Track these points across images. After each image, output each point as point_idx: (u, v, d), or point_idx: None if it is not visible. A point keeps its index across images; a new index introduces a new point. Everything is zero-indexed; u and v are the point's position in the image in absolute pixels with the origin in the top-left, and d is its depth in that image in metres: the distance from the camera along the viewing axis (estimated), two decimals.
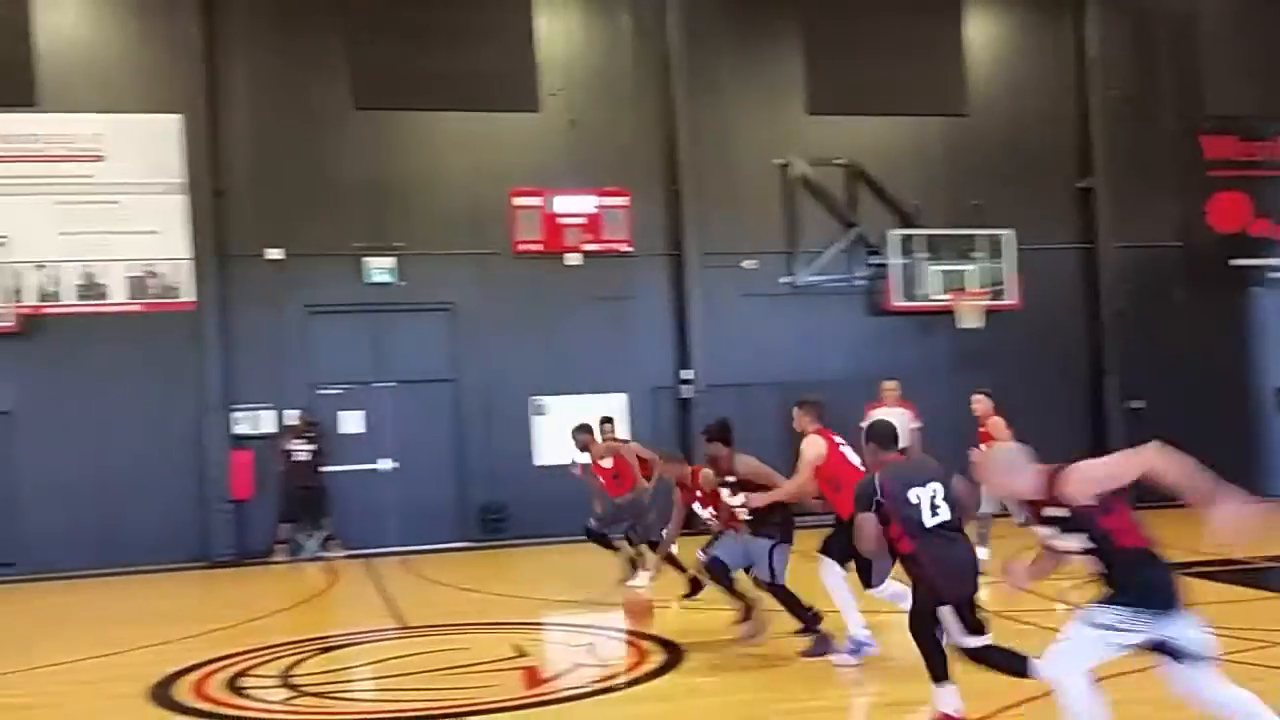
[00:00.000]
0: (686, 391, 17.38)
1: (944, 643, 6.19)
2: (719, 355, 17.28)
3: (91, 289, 15.76)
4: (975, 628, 6.11)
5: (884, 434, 6.79)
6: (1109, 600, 5.10)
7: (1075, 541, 5.18)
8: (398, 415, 16.76)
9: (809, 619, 8.43)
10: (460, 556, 15.90)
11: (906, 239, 17.88)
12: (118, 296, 15.84)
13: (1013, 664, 6.03)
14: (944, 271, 17.88)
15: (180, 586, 14.41)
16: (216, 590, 14.07)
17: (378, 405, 16.77)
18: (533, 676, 7.95)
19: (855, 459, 8.15)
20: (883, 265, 17.88)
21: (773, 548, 8.43)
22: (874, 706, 7.48)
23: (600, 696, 7.44)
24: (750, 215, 17.77)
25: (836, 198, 18.17)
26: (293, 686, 8.23)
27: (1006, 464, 5.43)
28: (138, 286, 15.91)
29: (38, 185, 15.59)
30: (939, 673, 6.27)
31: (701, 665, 8.24)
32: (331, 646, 9.73)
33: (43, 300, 15.56)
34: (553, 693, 7.69)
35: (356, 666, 9.08)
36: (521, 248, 17.12)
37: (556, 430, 16.83)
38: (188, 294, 15.99)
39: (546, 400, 17.08)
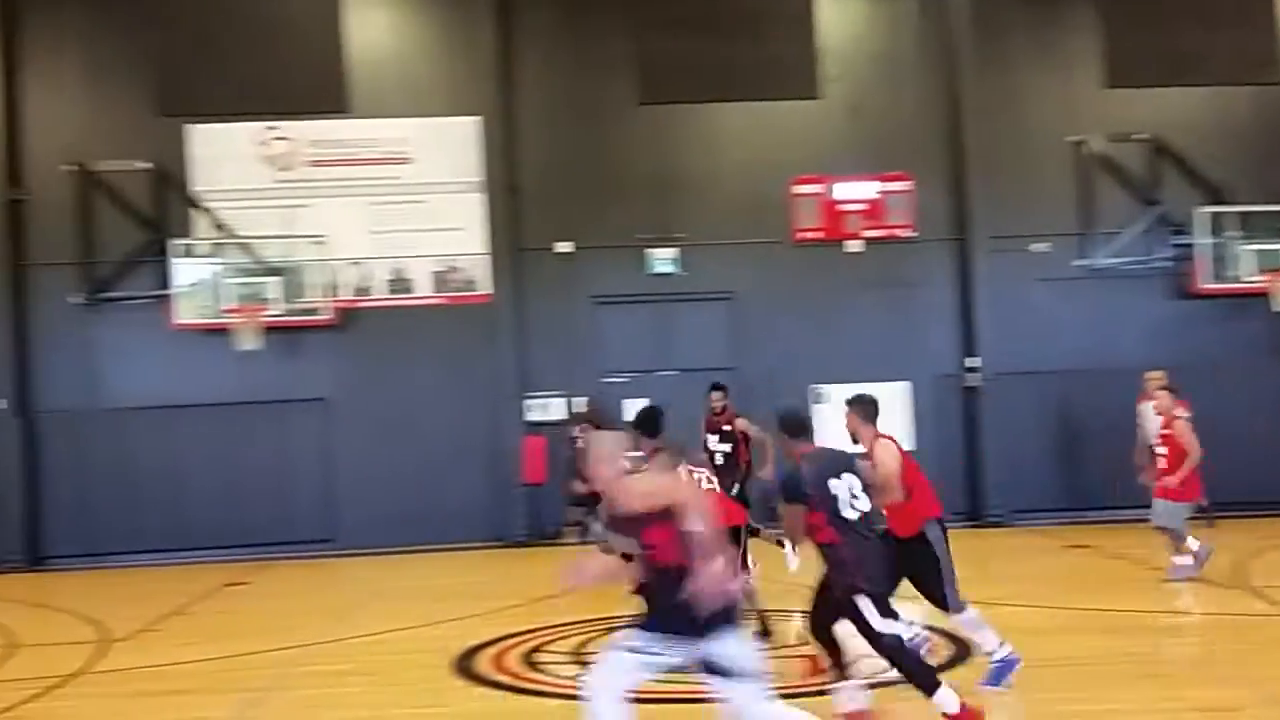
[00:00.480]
0: (972, 380, 16.89)
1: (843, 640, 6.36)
2: (1007, 342, 16.71)
3: (399, 284, 16.83)
4: (891, 617, 6.23)
5: (794, 423, 6.67)
6: (643, 622, 5.12)
7: (627, 545, 5.19)
8: (680, 403, 17.04)
9: None
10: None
11: (1216, 217, 16.73)
12: (423, 290, 16.85)
13: (923, 678, 6.21)
14: (1258, 251, 16.63)
15: (479, 564, 15.20)
16: (512, 569, 14.74)
17: (661, 393, 17.08)
18: (814, 665, 7.94)
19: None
20: (1188, 245, 16.81)
21: None
22: (1179, 711, 7.09)
23: (884, 689, 7.35)
24: (1040, 196, 17.08)
25: (1136, 175, 17.21)
26: (585, 664, 8.54)
27: (603, 452, 5.30)
28: (440, 281, 16.87)
29: (351, 187, 16.76)
30: (931, 684, 6.26)
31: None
32: (619, 626, 10.03)
33: (357, 295, 16.73)
34: (834, 682, 7.66)
35: None
36: (801, 236, 17.09)
37: (836, 418, 16.78)
38: (485, 287, 16.82)
39: (827, 389, 16.98)
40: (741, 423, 12.19)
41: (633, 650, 5.17)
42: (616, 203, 16.96)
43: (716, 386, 12.60)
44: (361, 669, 8.94)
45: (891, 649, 6.23)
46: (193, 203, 16.46)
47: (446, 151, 16.84)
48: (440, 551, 15.82)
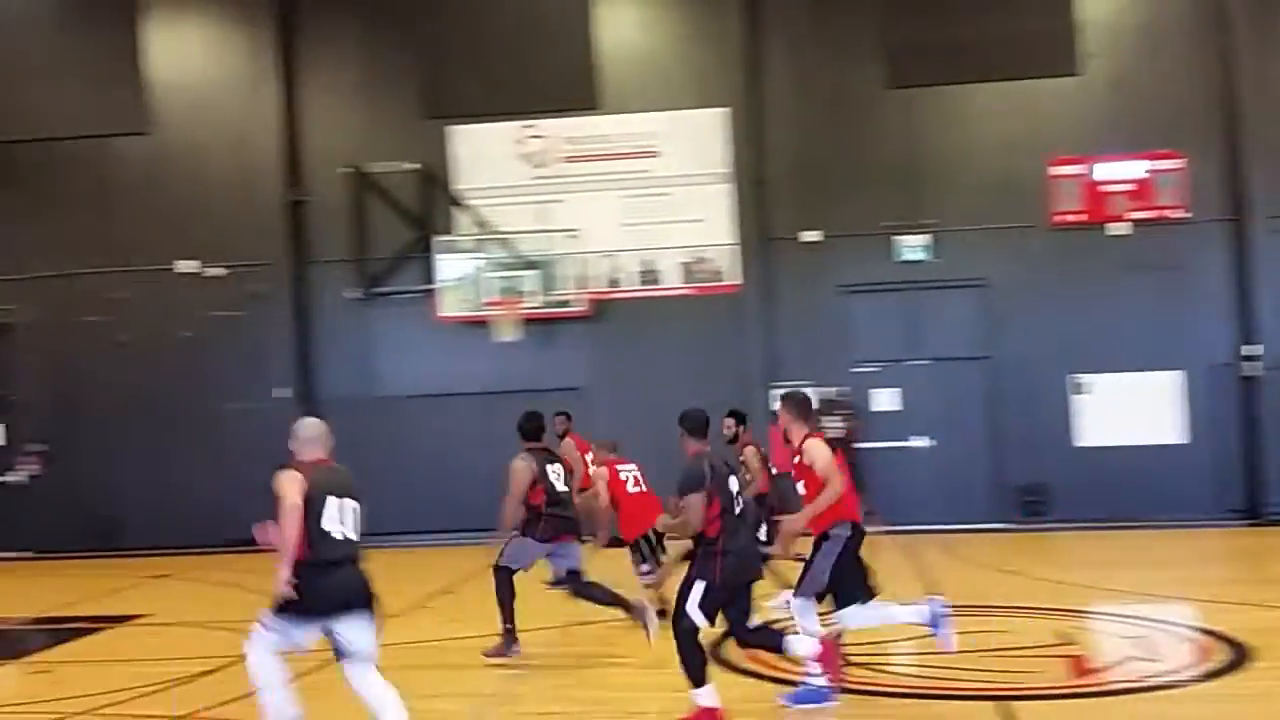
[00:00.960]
0: (1250, 369, 15.84)
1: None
2: None
3: (649, 275, 17.15)
4: (713, 614, 6.77)
5: (696, 422, 7.31)
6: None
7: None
8: (932, 393, 16.73)
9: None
10: (998, 538, 15.60)
11: None
12: (671, 281, 17.10)
13: (693, 671, 6.77)
14: None
15: None
16: None
17: (912, 383, 16.84)
18: (1079, 666, 7.67)
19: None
20: None
21: None
22: None
23: (1159, 692, 7.03)
24: None
25: None
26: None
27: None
28: (689, 272, 17.09)
29: (603, 182, 17.17)
30: (700, 677, 6.78)
31: (1275, 666, 7.54)
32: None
33: (609, 286, 17.15)
34: (1104, 684, 7.39)
35: (895, 641, 9.20)
36: (1060, 219, 16.42)
37: (1100, 409, 16.04)
38: (732, 277, 16.93)
39: (1088, 378, 16.30)
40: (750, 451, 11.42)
41: (263, 625, 6.26)
42: (865, 190, 16.74)
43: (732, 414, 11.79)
44: (620, 652, 9.16)
45: (684, 632, 6.78)
46: (455, 201, 17.24)
47: (694, 144, 17.02)
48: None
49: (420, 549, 16.16)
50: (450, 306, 16.87)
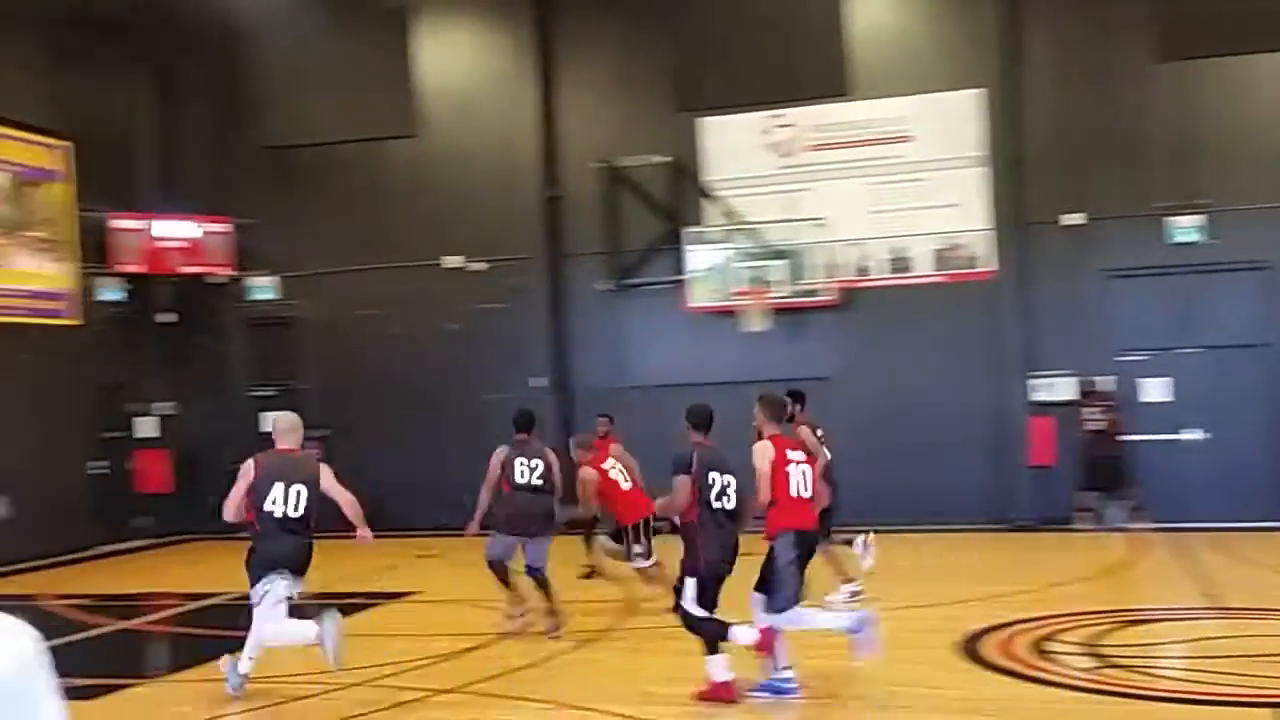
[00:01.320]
0: None
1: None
2: None
3: (899, 263, 16.85)
4: (711, 604, 7.41)
5: (700, 417, 7.95)
6: None
7: None
8: (1207, 383, 15.77)
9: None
10: (1277, 537, 14.57)
11: None
12: (923, 269, 16.75)
13: (719, 631, 7.37)
14: None
15: (980, 547, 14.91)
16: (1016, 553, 14.34)
17: (1185, 372, 15.91)
18: None
19: (803, 484, 7.80)
20: None
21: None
22: None
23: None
24: None
25: None
26: (1099, 656, 8.20)
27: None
28: (941, 259, 16.70)
29: (851, 169, 16.99)
30: (715, 645, 7.36)
31: None
32: (1139, 620, 9.51)
33: (857, 275, 16.96)
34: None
35: (1167, 644, 8.79)
36: None
37: None
38: (987, 264, 16.44)
39: None
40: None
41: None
42: (1132, 169, 15.92)
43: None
44: (891, 643, 9.08)
45: (687, 622, 7.50)
46: (705, 192, 17.42)
47: (947, 127, 16.61)
48: (939, 532, 15.69)
49: (667, 535, 16.39)
50: (699, 297, 17.07)
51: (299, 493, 8.09)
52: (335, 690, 8.26)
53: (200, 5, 18.28)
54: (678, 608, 7.64)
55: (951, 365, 16.49)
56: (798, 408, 11.22)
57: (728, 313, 16.84)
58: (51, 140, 17.00)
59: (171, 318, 18.98)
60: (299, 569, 8.24)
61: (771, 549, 7.71)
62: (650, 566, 10.68)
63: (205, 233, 18.40)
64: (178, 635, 11.30)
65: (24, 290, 16.48)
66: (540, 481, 9.98)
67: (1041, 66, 16.33)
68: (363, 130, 18.39)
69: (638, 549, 10.67)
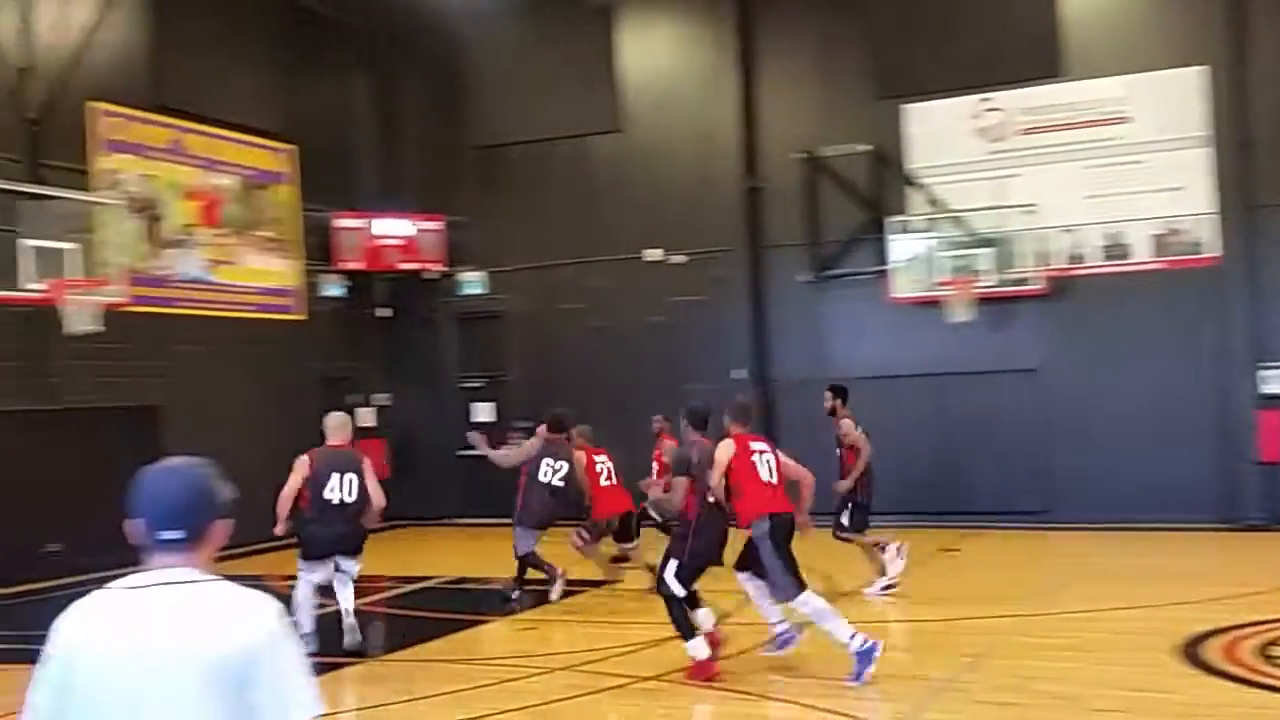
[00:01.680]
0: None
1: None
2: None
3: (1115, 249, 16.14)
4: (691, 591, 8.20)
5: (697, 416, 8.45)
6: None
7: None
8: None
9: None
10: None
11: None
12: (1140, 255, 16.00)
13: (681, 628, 8.18)
14: None
15: (1202, 546, 14.16)
16: (1243, 553, 13.57)
17: None
18: None
19: (765, 471, 8.34)
20: None
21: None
22: None
23: None
24: None
25: None
26: None
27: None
28: (1160, 244, 15.91)
29: (1064, 152, 16.35)
30: (687, 632, 8.14)
31: None
32: None
33: (1070, 263, 16.32)
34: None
35: None
36: None
37: None
38: (1211, 249, 15.58)
39: None
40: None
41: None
42: None
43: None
44: (1076, 645, 8.80)
45: (665, 597, 8.22)
46: (909, 180, 17.07)
47: (1166, 107, 15.79)
48: (1158, 530, 14.96)
49: (872, 530, 16.17)
50: (902, 287, 16.75)
51: (351, 481, 9.23)
52: (539, 674, 8.50)
53: (417, 12, 19.00)
54: (659, 583, 8.33)
55: (1171, 356, 15.71)
56: (839, 402, 11.77)
57: (931, 303, 16.47)
58: (278, 144, 18.01)
59: (388, 312, 19.84)
60: (355, 549, 9.51)
61: (751, 538, 8.28)
62: (630, 549, 11.88)
63: (419, 230, 19.14)
64: (393, 616, 11.81)
65: (254, 287, 17.52)
66: (562, 483, 11.23)
67: (1271, 41, 15.36)
68: (568, 127, 18.76)
69: (627, 546, 11.92)
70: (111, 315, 13.64)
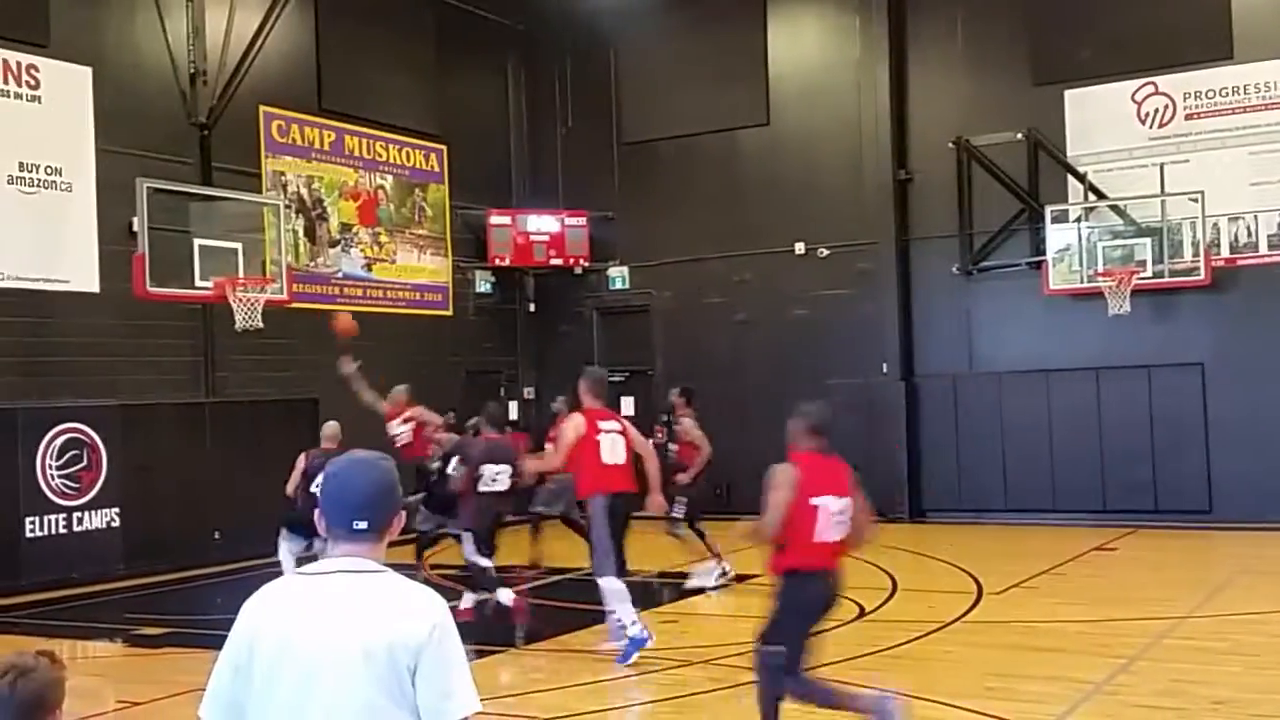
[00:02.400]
0: None
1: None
2: None
3: None
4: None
5: (495, 420, 10.40)
6: None
7: None
8: None
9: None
10: None
11: None
12: None
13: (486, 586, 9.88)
14: None
15: None
16: None
17: None
18: None
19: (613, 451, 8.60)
20: None
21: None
22: None
23: None
24: None
25: None
26: None
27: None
28: None
29: (1230, 137, 15.66)
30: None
31: None
32: None
33: (1235, 252, 15.62)
34: None
35: None
36: None
37: None
38: None
39: None
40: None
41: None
42: None
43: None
44: (1238, 649, 8.46)
45: (473, 569, 9.87)
46: (1066, 168, 16.56)
47: None
48: None
49: (1019, 526, 15.84)
50: (1058, 279, 16.26)
51: None
52: (679, 667, 8.55)
53: (567, 10, 19.27)
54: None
55: None
56: (684, 400, 12.48)
57: (1089, 295, 15.95)
58: (431, 143, 18.49)
59: (533, 307, 20.18)
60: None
61: (583, 507, 8.76)
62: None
63: (565, 226, 19.40)
64: (536, 606, 12.01)
65: (407, 284, 18.03)
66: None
67: None
68: (716, 121, 18.74)
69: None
70: (274, 312, 14.20)
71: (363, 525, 2.71)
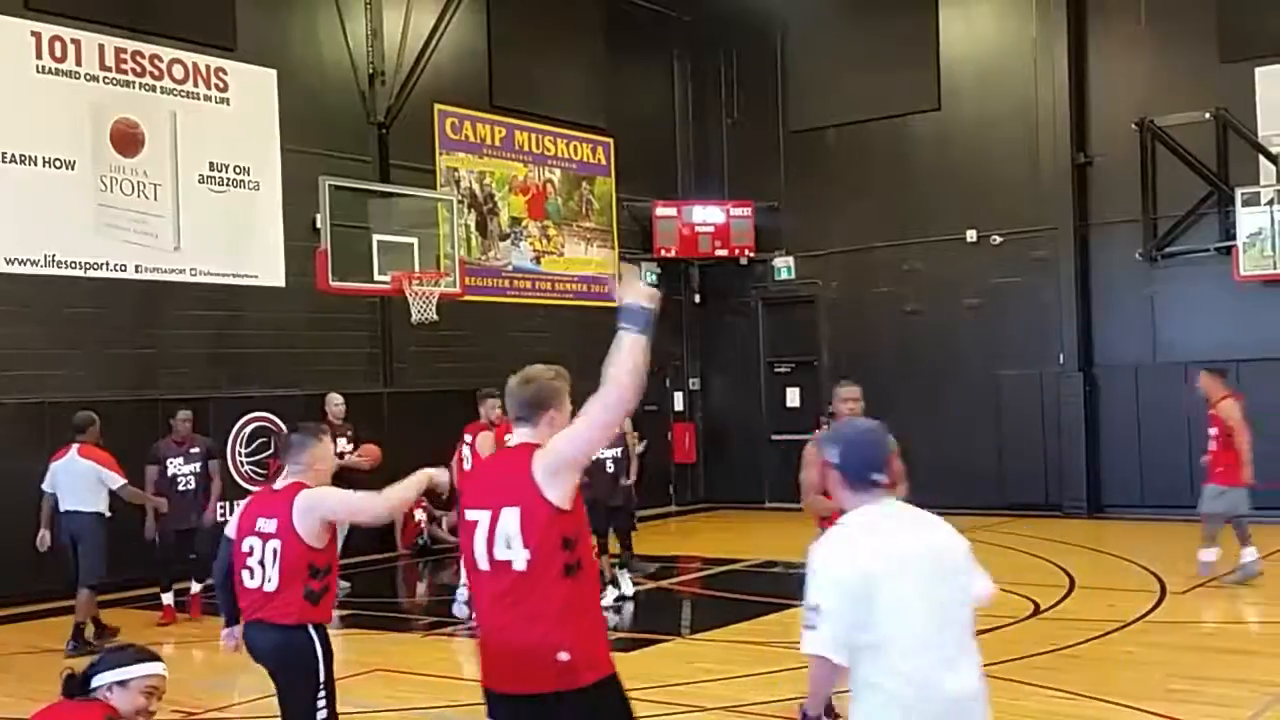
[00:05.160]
0: None
1: None
2: None
3: None
4: None
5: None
6: None
7: None
8: None
9: None
10: None
11: None
12: None
13: None
14: None
15: None
16: None
17: None
18: None
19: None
20: None
21: None
22: None
23: None
24: None
25: None
26: None
27: None
28: None
29: None
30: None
31: None
32: None
33: None
34: None
35: None
36: None
37: None
38: None
39: None
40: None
41: None
42: None
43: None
44: None
45: None
46: (1257, 149, 15.74)
47: None
48: None
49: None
50: (1249, 264, 15.47)
51: None
52: None
53: (732, 1, 19.21)
54: None
55: None
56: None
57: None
58: (598, 136, 18.71)
59: (698, 298, 20.24)
60: None
61: None
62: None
63: (730, 216, 19.38)
64: (702, 596, 12.09)
65: (575, 276, 18.29)
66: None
67: None
68: (886, 107, 18.41)
69: None
70: (447, 304, 14.58)
71: (883, 478, 3.55)
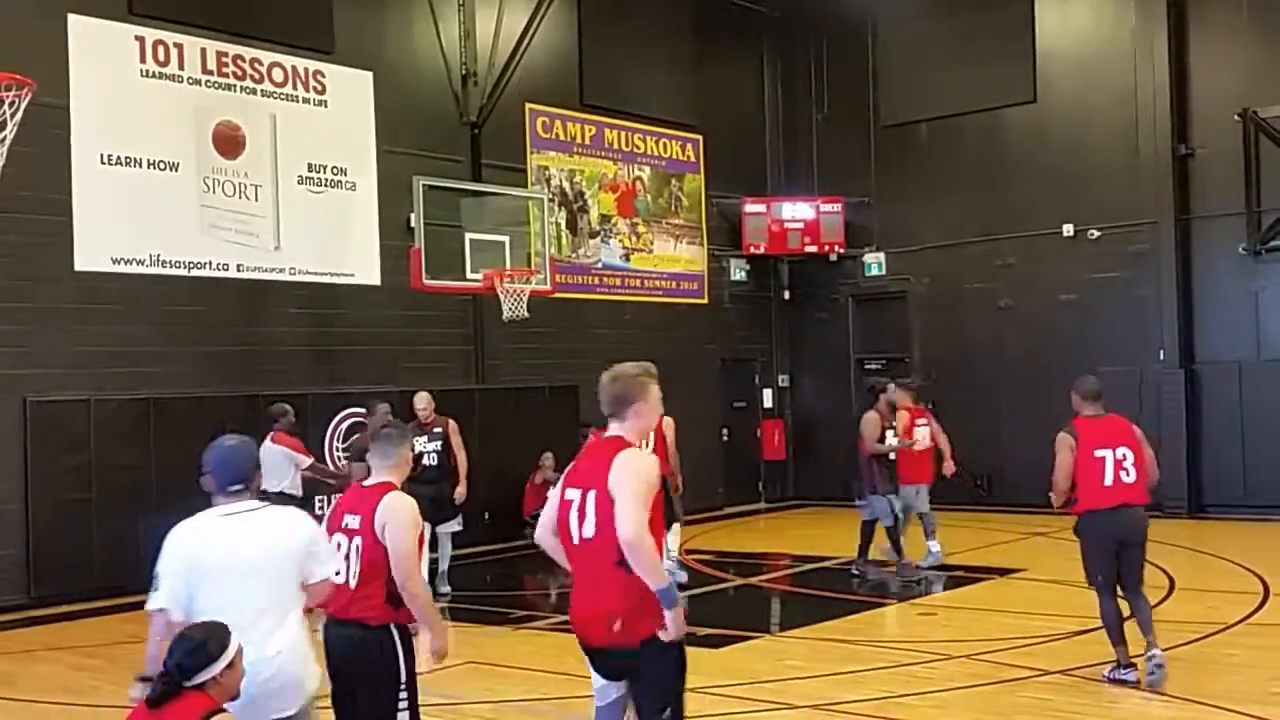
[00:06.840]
0: None
1: None
2: None
3: None
4: None
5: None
6: None
7: None
8: None
9: None
10: None
11: None
12: None
13: None
14: None
15: None
16: None
17: None
18: None
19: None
20: None
21: None
22: None
23: None
24: None
25: None
26: None
27: None
28: None
29: None
30: None
31: None
32: None
33: None
34: None
35: None
36: None
37: None
38: None
39: None
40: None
41: None
42: None
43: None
44: None
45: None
46: None
47: None
48: None
49: None
50: None
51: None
52: (938, 661, 8.43)
53: None
54: None
55: None
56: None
57: None
58: (687, 133, 18.74)
59: (788, 294, 20.16)
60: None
61: None
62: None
63: (820, 212, 19.26)
64: (790, 594, 12.06)
65: (664, 273, 18.35)
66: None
67: None
68: (980, 101, 18.17)
69: None
70: (537, 301, 14.71)
71: None
